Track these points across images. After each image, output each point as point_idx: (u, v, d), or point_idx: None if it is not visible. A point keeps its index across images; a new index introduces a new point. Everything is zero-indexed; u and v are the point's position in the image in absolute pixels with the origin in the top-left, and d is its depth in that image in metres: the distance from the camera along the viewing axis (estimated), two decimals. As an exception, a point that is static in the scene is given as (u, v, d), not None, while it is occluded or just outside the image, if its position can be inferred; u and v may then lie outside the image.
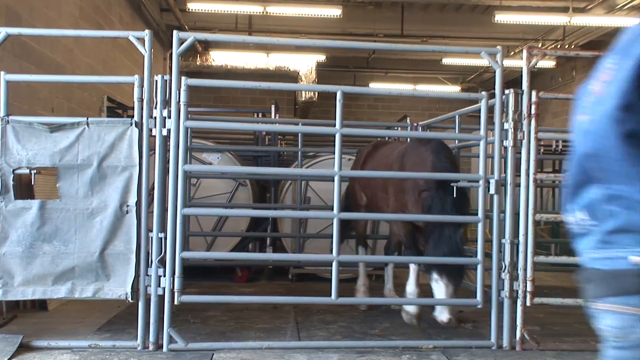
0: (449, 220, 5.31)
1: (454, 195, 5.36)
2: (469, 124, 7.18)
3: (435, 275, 5.42)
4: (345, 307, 6.32)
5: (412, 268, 5.95)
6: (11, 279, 4.89)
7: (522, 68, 5.30)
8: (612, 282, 1.49)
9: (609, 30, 14.67)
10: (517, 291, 5.21)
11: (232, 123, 8.86)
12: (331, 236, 5.28)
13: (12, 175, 4.91)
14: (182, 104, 4.95)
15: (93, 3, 9.79)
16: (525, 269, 5.19)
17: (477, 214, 5.44)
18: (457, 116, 6.70)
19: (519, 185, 5.28)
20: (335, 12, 12.84)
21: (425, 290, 7.26)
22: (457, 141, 6.98)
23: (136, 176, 4.96)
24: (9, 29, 5.21)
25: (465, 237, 6.01)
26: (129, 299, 4.93)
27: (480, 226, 5.38)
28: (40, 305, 6.34)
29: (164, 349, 4.92)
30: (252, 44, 15.67)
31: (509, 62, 15.06)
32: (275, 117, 9.26)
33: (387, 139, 7.60)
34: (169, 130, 4.98)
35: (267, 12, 13.07)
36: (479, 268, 5.34)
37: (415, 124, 7.85)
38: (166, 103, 5.00)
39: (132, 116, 5.08)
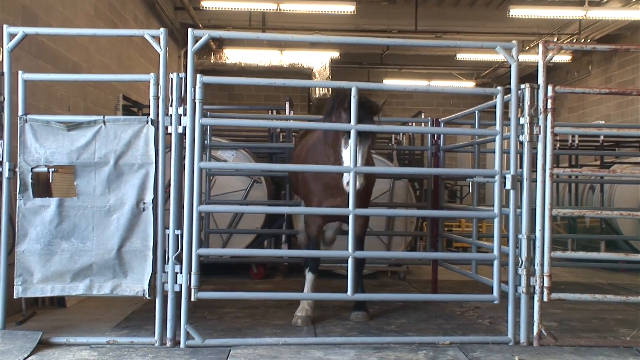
0: (467, 216, 5.32)
1: None
2: (484, 119, 7.14)
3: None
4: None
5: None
6: (30, 276, 4.95)
7: (537, 62, 5.26)
8: None
9: (626, 24, 14.54)
10: (534, 287, 5.18)
11: (246, 120, 8.88)
12: (347, 232, 5.28)
13: (30, 174, 4.97)
14: (197, 101, 4.98)
15: (108, 2, 9.85)
16: (542, 265, 5.16)
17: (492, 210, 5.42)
18: (477, 112, 6.66)
19: (536, 181, 5.24)
20: (348, 8, 12.81)
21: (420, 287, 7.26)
22: (477, 137, 6.95)
23: (152, 174, 4.99)
24: (26, 28, 5.26)
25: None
26: (146, 295, 4.96)
27: (496, 222, 5.36)
28: (58, 302, 6.41)
29: (181, 345, 4.95)
30: (266, 41, 15.72)
31: (524, 57, 14.97)
32: (289, 113, 9.27)
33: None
34: (184, 128, 5.00)
35: (280, 9, 13.08)
36: (496, 263, 5.32)
37: (436, 120, 7.82)
38: (182, 101, 5.02)
39: (148, 114, 5.11)
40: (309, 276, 6.00)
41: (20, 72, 5.14)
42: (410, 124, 10.12)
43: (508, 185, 5.27)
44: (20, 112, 5.03)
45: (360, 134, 5.24)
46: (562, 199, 11.81)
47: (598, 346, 5.16)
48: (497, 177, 5.31)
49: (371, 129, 5.45)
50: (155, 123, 5.01)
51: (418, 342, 5.17)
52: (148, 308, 5.74)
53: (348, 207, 5.21)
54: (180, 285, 4.98)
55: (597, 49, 5.69)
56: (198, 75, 5.00)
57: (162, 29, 5.08)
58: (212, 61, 16.08)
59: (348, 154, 5.28)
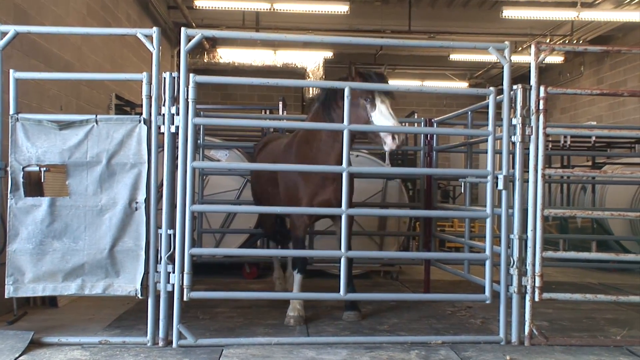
0: (460, 216, 5.34)
1: None
2: (477, 119, 7.17)
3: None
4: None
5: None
6: (22, 276, 4.92)
7: (530, 63, 5.28)
8: None
9: (618, 25, 14.62)
10: (525, 286, 5.20)
11: (240, 120, 8.87)
12: (332, 233, 5.29)
13: (22, 173, 4.94)
14: (190, 100, 4.97)
15: (101, 0, 9.82)
16: (533, 265, 5.18)
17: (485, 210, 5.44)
18: (469, 112, 6.69)
19: (527, 181, 5.26)
20: (342, 8, 12.82)
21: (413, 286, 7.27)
22: (470, 137, 6.98)
23: (145, 173, 4.97)
24: (17, 27, 5.24)
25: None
26: (139, 295, 4.95)
27: (488, 222, 5.37)
28: (50, 301, 6.38)
29: (174, 344, 4.94)
30: (260, 40, 15.73)
31: (517, 58, 15.04)
32: (282, 113, 9.28)
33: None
34: (177, 127, 4.99)
35: (274, 9, 13.09)
36: (488, 263, 5.33)
37: (429, 120, 7.84)
38: (174, 100, 5.01)
39: (141, 113, 5.10)
40: (297, 277, 5.99)
41: (11, 71, 5.12)
42: (403, 124, 10.14)
43: (500, 186, 5.29)
44: (11, 111, 5.01)
45: (385, 93, 5.57)
46: (554, 199, 11.87)
47: (589, 345, 5.19)
48: (489, 178, 5.32)
49: (364, 128, 5.47)
50: (147, 122, 5.00)
51: (410, 342, 5.17)
52: (140, 308, 5.73)
53: (334, 198, 5.23)
54: (173, 285, 4.97)
55: (589, 50, 5.71)
56: (191, 75, 4.99)
57: (155, 28, 5.07)
58: (205, 60, 16.06)
59: (378, 115, 5.48)
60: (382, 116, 5.46)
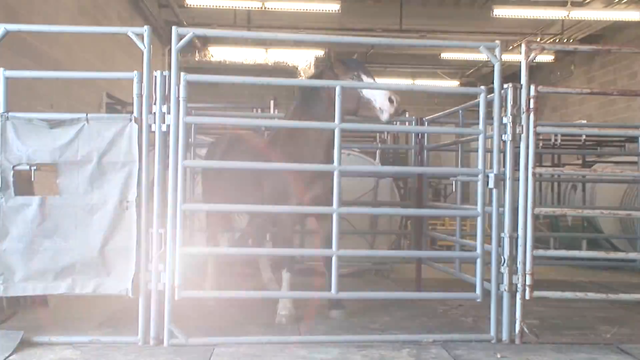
0: (451, 215, 5.33)
1: None
2: (468, 118, 7.18)
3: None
4: (345, 302, 6.32)
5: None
6: (11, 275, 4.89)
7: (520, 62, 5.30)
8: None
9: (608, 24, 14.69)
10: (516, 285, 5.21)
11: (231, 118, 8.85)
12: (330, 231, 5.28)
13: (12, 172, 4.92)
14: (181, 99, 4.95)
15: (91, -1, 9.79)
16: (524, 263, 5.19)
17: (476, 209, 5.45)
18: (460, 111, 6.71)
19: (518, 180, 5.28)
20: (333, 7, 12.83)
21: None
22: (461, 136, 6.99)
23: (136, 172, 4.96)
24: (7, 25, 5.20)
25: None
26: (130, 294, 4.93)
27: (479, 220, 5.39)
28: (40, 301, 6.34)
29: (165, 344, 4.93)
30: (251, 39, 15.71)
31: (507, 57, 15.08)
32: (274, 112, 9.27)
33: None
34: (168, 126, 4.98)
35: (265, 8, 13.09)
36: (479, 262, 5.35)
37: (420, 119, 7.85)
38: (165, 99, 4.99)
39: (132, 112, 5.08)
40: (285, 276, 5.94)
41: (1, 70, 5.08)
42: (394, 122, 10.15)
43: (491, 184, 5.30)
44: (1, 110, 4.98)
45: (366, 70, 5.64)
46: (545, 197, 11.91)
47: (579, 343, 5.21)
48: (480, 176, 5.33)
49: (355, 127, 5.48)
50: (138, 121, 4.98)
51: (402, 340, 5.18)
52: (131, 307, 5.69)
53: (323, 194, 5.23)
54: (164, 284, 4.96)
55: (579, 49, 5.72)
56: (182, 73, 4.97)
57: (145, 27, 5.04)
58: (196, 59, 16.05)
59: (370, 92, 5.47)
60: (370, 93, 5.47)
